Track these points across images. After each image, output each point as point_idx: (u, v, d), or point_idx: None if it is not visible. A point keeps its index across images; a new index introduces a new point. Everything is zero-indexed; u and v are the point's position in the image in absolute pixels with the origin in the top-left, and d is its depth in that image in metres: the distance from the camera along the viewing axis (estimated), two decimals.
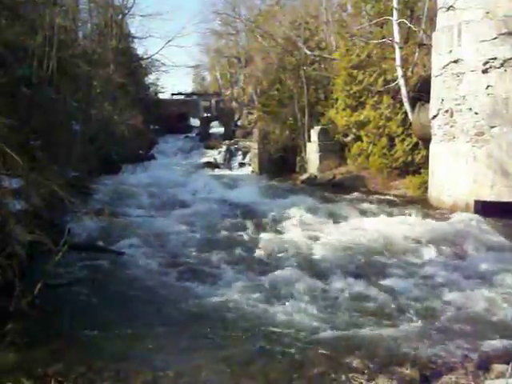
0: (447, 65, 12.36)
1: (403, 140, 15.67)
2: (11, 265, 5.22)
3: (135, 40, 27.24)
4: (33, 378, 4.26)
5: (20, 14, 8.89)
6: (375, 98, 16.41)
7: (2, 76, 6.90)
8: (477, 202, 11.77)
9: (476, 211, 11.58)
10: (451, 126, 12.43)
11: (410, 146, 15.54)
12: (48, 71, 8.12)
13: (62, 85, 10.73)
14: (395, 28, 15.74)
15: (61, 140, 9.95)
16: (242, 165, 22.51)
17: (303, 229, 10.23)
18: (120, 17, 23.28)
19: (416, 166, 15.39)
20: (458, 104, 12.15)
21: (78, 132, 12.00)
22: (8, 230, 5.61)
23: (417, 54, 16.44)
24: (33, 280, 5.52)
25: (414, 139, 15.44)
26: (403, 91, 15.62)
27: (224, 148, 24.17)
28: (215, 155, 23.95)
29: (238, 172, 21.37)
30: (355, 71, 16.90)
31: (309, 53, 19.89)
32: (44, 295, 5.51)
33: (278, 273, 7.47)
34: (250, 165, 21.79)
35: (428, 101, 13.77)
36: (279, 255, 8.53)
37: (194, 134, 29.96)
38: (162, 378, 4.45)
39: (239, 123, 29.79)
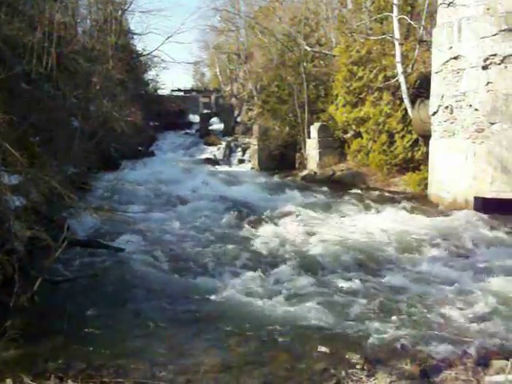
0: (447, 61, 12.34)
1: (403, 137, 15.65)
2: (11, 261, 5.22)
3: (135, 36, 27.23)
4: (32, 373, 4.26)
5: (19, 9, 8.88)
6: (375, 95, 16.37)
7: (1, 72, 6.89)
8: (476, 199, 11.75)
9: (476, 208, 11.57)
10: (451, 123, 12.42)
11: (409, 143, 15.52)
12: (47, 67, 8.12)
13: (62, 81, 10.73)
14: (395, 24, 15.70)
15: (60, 136, 9.95)
16: (241, 161, 22.53)
17: (302, 225, 10.24)
18: (119, 13, 23.21)
19: (416, 163, 15.37)
20: (458, 100, 12.13)
21: (77, 128, 11.97)
22: (7, 226, 5.61)
23: (417, 50, 16.40)
24: (32, 276, 5.52)
25: (414, 136, 15.42)
26: (403, 88, 15.59)
27: (224, 144, 24.19)
28: (215, 151, 23.97)
29: (237, 168, 21.36)
30: (355, 67, 16.85)
31: (309, 49, 19.85)
32: (43, 291, 5.50)
33: (277, 269, 7.48)
34: (249, 161, 21.79)
35: (428, 97, 13.75)
36: (279, 251, 8.53)
37: (193, 131, 29.92)
38: (162, 373, 4.45)
39: (239, 119, 29.71)
